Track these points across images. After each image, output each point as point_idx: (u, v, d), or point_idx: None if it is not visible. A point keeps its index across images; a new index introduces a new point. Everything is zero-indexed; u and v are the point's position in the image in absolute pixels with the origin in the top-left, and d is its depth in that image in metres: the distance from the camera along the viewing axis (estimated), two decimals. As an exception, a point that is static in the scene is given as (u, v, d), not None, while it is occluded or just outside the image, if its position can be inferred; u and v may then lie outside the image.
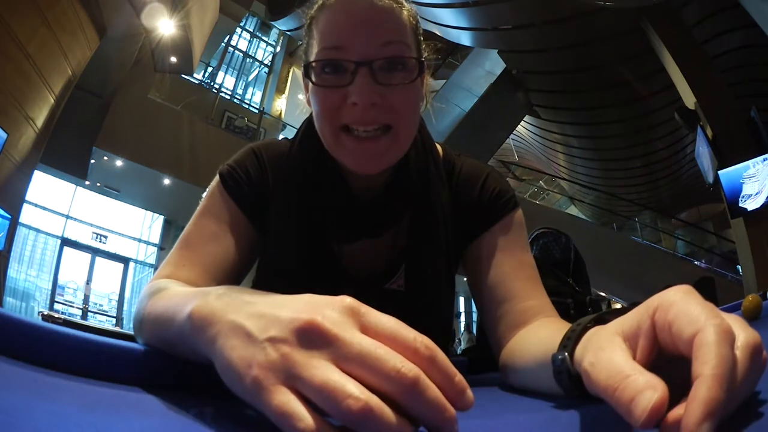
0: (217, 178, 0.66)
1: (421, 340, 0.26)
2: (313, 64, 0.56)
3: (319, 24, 0.57)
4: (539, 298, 0.63)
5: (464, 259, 0.70)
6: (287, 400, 0.24)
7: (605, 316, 0.35)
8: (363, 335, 0.26)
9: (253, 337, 0.27)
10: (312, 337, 0.25)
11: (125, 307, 7.81)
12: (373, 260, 0.67)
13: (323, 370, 0.24)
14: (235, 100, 10.42)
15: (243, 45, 11.83)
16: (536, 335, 0.54)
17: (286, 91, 11.38)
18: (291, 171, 0.66)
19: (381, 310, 0.27)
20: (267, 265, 0.68)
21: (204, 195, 0.67)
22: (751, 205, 4.62)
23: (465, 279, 0.81)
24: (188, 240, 0.63)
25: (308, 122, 0.66)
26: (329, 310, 0.27)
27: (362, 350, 0.25)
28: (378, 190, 0.64)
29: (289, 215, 0.64)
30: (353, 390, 0.23)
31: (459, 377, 0.26)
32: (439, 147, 0.72)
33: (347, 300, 0.28)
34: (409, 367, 0.24)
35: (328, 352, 0.25)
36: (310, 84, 0.57)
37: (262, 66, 11.95)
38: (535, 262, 0.67)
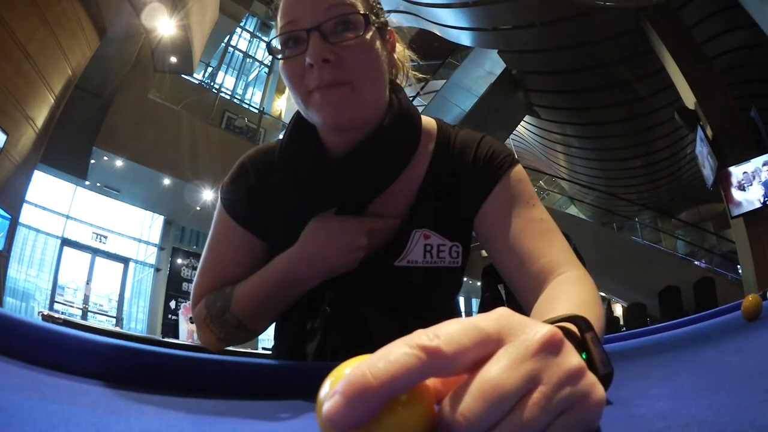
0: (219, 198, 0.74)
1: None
2: (274, 41, 0.61)
3: (278, 9, 0.62)
4: (551, 253, 0.58)
5: (477, 231, 0.68)
6: None
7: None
8: None
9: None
10: None
11: (125, 307, 7.80)
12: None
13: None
14: (235, 100, 10.41)
15: (243, 45, 11.82)
16: (540, 309, 0.49)
17: (286, 91, 11.33)
18: (283, 164, 0.69)
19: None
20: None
21: (214, 215, 0.74)
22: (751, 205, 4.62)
23: (464, 278, 0.80)
24: (205, 270, 0.72)
25: (296, 115, 0.69)
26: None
27: None
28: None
29: (286, 205, 0.69)
30: None
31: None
32: (433, 121, 0.73)
33: None
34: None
35: None
36: (280, 62, 0.62)
37: (262, 66, 11.94)
38: (546, 214, 0.63)
